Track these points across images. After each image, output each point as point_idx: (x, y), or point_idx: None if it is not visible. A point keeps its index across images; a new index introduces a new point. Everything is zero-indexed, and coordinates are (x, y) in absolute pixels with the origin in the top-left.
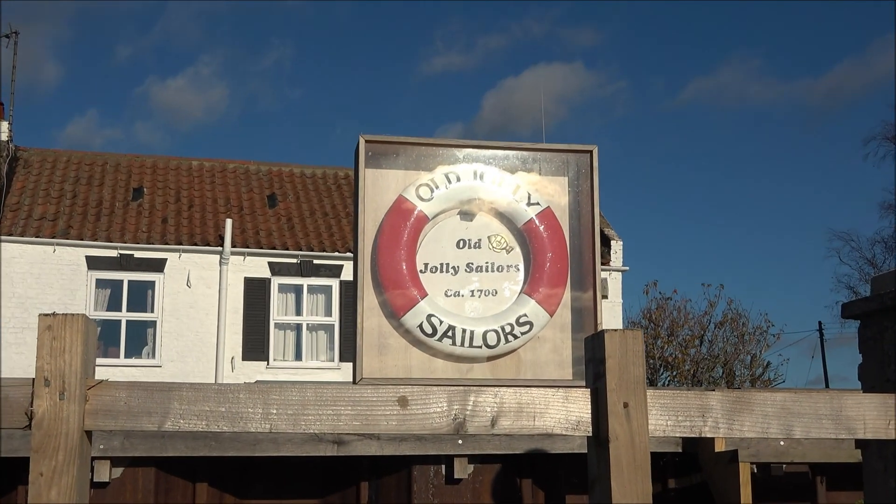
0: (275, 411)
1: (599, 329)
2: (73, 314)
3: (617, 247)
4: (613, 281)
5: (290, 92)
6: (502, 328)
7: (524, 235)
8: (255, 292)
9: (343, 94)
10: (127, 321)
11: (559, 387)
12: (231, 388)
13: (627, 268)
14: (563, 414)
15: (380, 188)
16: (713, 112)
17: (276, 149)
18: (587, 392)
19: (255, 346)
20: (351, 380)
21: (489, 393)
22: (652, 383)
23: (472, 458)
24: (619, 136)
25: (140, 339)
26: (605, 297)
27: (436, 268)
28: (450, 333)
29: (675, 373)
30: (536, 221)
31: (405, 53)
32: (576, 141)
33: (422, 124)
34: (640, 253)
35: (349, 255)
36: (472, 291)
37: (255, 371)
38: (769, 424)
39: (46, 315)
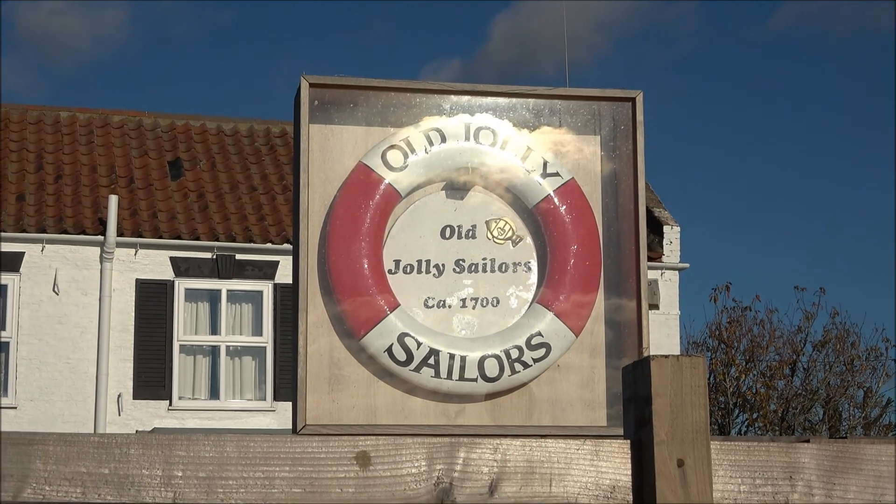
0: (180, 474)
1: (645, 354)
2: None
3: (673, 235)
4: (668, 284)
5: (216, 15)
6: (507, 353)
7: (538, 220)
8: (152, 301)
9: (291, 21)
10: None
11: (586, 437)
12: (118, 440)
13: (688, 265)
14: (591, 476)
15: (331, 152)
16: (814, 45)
17: (193, 96)
18: (626, 445)
19: (152, 378)
20: (290, 427)
21: (486, 447)
22: (722, 430)
23: None
24: (683, 80)
25: None
26: (654, 306)
27: (412, 266)
28: (432, 361)
29: (756, 415)
30: (556, 200)
31: None
32: (620, 85)
33: (402, 63)
34: (706, 244)
35: (288, 247)
36: (464, 300)
37: (151, 415)
38: (884, 489)
39: None
